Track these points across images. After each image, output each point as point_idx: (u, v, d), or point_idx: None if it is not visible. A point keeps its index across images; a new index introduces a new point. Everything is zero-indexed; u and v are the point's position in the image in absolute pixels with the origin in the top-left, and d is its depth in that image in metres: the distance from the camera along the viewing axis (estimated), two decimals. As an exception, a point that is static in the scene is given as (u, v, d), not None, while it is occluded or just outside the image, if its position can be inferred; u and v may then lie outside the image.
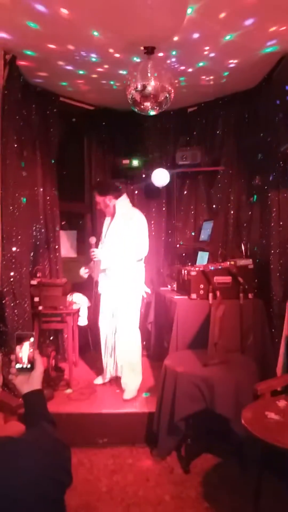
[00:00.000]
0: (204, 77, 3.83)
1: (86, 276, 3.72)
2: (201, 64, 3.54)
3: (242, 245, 4.12)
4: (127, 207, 3.67)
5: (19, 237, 3.40)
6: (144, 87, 3.07)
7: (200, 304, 3.43)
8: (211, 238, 4.33)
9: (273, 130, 3.53)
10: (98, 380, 3.75)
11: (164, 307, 3.98)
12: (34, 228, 4.05)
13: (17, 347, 1.31)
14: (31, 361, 1.31)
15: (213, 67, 3.60)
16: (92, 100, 4.53)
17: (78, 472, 2.76)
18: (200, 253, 4.47)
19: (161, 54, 3.30)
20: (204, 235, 4.53)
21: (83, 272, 3.70)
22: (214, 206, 4.54)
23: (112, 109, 4.63)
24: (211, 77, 3.83)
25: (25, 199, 3.56)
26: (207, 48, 3.25)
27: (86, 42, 3.14)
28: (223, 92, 4.23)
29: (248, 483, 2.46)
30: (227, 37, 3.06)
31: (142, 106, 3.22)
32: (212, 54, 3.34)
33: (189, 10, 2.69)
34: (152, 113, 3.32)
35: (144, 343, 4.39)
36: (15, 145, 3.39)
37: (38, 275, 3.81)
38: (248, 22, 2.84)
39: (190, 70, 3.66)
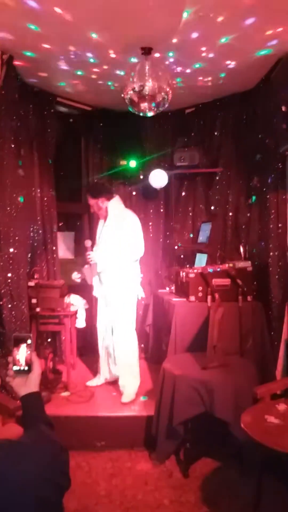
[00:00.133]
0: (201, 78, 3.81)
1: (78, 280, 3.73)
2: (198, 65, 3.52)
3: (241, 247, 4.10)
4: (120, 209, 3.64)
5: (17, 238, 3.38)
6: (141, 87, 3.06)
7: (199, 306, 3.41)
8: (210, 240, 4.32)
9: (271, 131, 3.51)
10: (92, 382, 3.73)
11: (162, 309, 3.95)
12: (31, 229, 4.02)
13: (15, 349, 1.30)
14: (29, 363, 1.30)
15: (210, 68, 3.59)
16: (89, 101, 4.51)
17: (76, 475, 2.73)
18: (198, 255, 4.45)
19: (158, 55, 3.28)
20: (203, 237, 4.51)
21: (76, 276, 3.70)
22: (212, 207, 4.51)
23: (110, 110, 4.60)
24: (209, 78, 3.82)
25: (22, 198, 3.53)
26: (204, 49, 3.23)
27: (83, 43, 3.12)
28: (221, 93, 4.22)
29: (248, 487, 2.44)
30: (224, 39, 3.04)
31: (139, 107, 3.21)
32: (209, 56, 3.32)
33: (184, 14, 2.69)
34: (150, 114, 3.31)
35: (142, 345, 4.37)
36: (12, 146, 3.37)
37: (35, 276, 3.79)
38: (246, 24, 2.82)
39: (187, 71, 3.64)
